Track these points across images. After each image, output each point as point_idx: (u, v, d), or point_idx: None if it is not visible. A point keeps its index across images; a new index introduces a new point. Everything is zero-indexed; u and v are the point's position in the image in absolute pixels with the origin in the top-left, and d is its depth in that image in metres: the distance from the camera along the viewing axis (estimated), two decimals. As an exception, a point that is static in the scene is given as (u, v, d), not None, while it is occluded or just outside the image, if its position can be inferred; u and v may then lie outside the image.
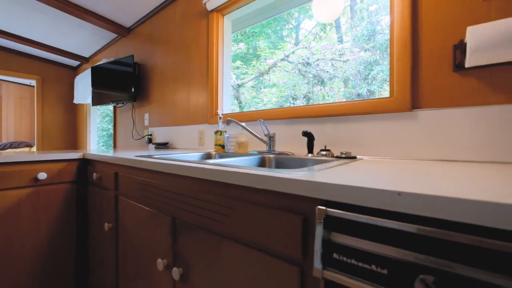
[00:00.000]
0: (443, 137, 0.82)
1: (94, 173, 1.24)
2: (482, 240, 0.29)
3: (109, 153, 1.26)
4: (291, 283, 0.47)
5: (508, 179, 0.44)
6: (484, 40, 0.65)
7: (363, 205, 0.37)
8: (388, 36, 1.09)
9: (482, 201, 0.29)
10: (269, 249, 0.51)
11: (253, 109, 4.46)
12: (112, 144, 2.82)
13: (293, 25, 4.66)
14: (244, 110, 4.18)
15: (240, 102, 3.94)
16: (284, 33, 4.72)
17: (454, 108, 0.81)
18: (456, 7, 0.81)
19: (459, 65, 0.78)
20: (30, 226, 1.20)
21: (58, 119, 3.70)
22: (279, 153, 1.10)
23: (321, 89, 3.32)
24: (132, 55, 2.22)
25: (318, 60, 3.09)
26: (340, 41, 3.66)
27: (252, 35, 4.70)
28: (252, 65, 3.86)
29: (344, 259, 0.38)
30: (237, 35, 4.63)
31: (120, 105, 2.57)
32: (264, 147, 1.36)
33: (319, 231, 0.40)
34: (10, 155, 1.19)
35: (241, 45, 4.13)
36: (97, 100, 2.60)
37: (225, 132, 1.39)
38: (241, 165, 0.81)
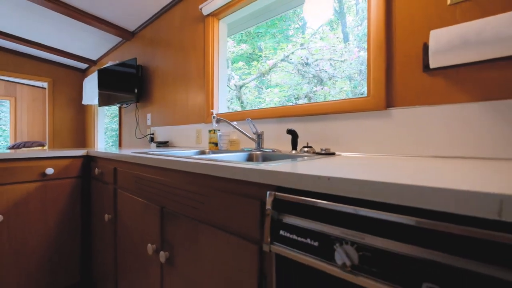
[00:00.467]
0: (414, 134, 0.87)
1: (96, 169, 1.34)
2: (387, 214, 0.35)
3: (110, 150, 1.36)
4: (253, 259, 0.54)
5: (447, 169, 0.50)
6: (443, 43, 0.70)
7: (303, 189, 0.44)
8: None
9: (386, 182, 0.35)
10: (236, 230, 0.58)
11: (254, 109, 4.52)
12: (118, 143, 2.95)
13: (299, 25, 4.69)
14: (246, 109, 4.25)
15: (242, 102, 4.02)
16: (290, 32, 4.76)
17: (424, 106, 0.85)
18: (426, 11, 0.86)
19: (426, 66, 0.83)
20: (39, 217, 1.31)
21: (68, 120, 3.87)
22: (266, 150, 1.17)
23: (322, 88, 3.36)
24: (135, 58, 2.33)
25: (317, 60, 3.13)
26: (346, 39, 3.67)
27: (257, 35, 4.77)
28: (253, 66, 3.93)
29: (288, 235, 0.44)
30: (242, 36, 4.70)
31: (124, 105, 2.69)
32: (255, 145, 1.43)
33: (269, 212, 0.47)
34: (20, 152, 1.30)
35: (243, 46, 4.20)
36: (103, 101, 2.73)
37: (219, 130, 1.47)
38: (225, 159, 0.89)
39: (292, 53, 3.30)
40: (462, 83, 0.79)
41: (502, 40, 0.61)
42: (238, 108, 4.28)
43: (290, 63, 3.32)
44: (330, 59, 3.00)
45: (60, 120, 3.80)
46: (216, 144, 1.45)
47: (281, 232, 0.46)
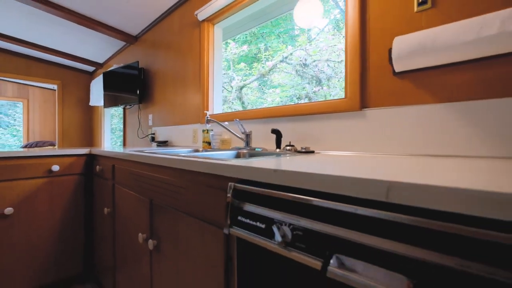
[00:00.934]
0: (386, 133, 0.93)
1: (98, 166, 1.44)
2: (317, 200, 0.42)
3: (111, 149, 1.46)
4: (220, 242, 0.61)
5: (404, 165, 0.56)
6: (404, 49, 0.75)
7: (257, 180, 0.51)
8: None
9: (318, 174, 0.42)
10: (207, 218, 0.66)
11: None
12: (122, 143, 3.08)
13: (303, 25, 4.72)
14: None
15: (243, 103, 4.10)
16: (295, 32, 4.80)
17: (395, 107, 0.91)
18: (396, 18, 0.91)
19: (394, 70, 0.88)
20: (46, 211, 1.43)
21: (76, 120, 4.04)
22: (253, 149, 1.25)
23: (319, 89, 3.41)
24: (138, 61, 2.44)
25: (315, 61, 3.18)
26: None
27: (262, 36, 4.84)
28: (253, 67, 4.01)
29: (244, 219, 0.52)
30: (246, 36, 4.79)
31: (128, 107, 2.81)
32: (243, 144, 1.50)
33: (229, 200, 0.55)
34: (29, 150, 1.41)
35: (245, 47, 4.28)
36: (108, 102, 2.86)
37: (212, 130, 1.55)
38: (207, 156, 0.96)
39: (291, 54, 3.35)
40: (428, 85, 0.84)
41: (452, 47, 0.67)
42: (240, 108, 4.36)
43: (289, 64, 3.38)
44: (328, 60, 3.05)
45: (69, 121, 3.97)
46: (209, 143, 1.54)
47: (239, 218, 0.53)
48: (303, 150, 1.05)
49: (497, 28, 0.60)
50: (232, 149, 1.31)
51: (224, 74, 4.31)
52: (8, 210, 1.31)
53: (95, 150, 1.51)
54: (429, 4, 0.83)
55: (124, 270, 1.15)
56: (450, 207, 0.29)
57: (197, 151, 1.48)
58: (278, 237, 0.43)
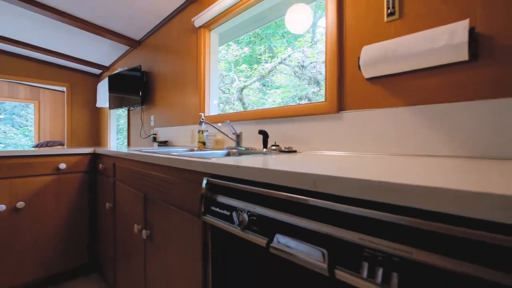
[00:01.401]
0: (361, 134, 1.00)
1: (100, 164, 1.55)
2: (269, 191, 0.50)
3: (115, 149, 1.57)
4: (198, 230, 0.70)
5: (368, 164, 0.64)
6: (369, 58, 0.83)
7: (225, 175, 0.60)
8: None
9: (272, 169, 0.50)
10: (188, 208, 0.75)
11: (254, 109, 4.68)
12: (127, 143, 3.21)
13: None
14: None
15: (243, 104, 4.19)
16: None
17: (368, 110, 0.98)
18: (369, 28, 0.98)
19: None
20: (54, 205, 1.55)
21: (84, 121, 4.21)
22: (242, 148, 1.33)
23: (318, 90, 3.46)
24: (140, 65, 2.56)
25: (312, 63, 3.24)
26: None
27: (266, 36, 4.93)
28: (254, 68, 4.09)
29: (214, 208, 0.61)
30: (250, 37, 4.88)
31: (132, 108, 2.94)
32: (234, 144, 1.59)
33: (203, 192, 0.64)
34: (40, 149, 1.54)
35: (246, 49, 4.37)
36: (113, 104, 2.99)
37: (207, 131, 1.64)
38: (193, 155, 1.05)
39: (289, 56, 3.43)
40: (397, 90, 0.91)
41: (410, 56, 0.74)
42: (241, 109, 4.46)
43: (287, 65, 3.45)
44: (324, 62, 3.11)
45: (77, 121, 4.14)
46: (204, 143, 1.63)
47: (212, 207, 0.62)
48: (286, 150, 1.13)
49: (445, 40, 0.67)
50: (223, 149, 1.40)
51: (226, 75, 4.41)
52: (20, 204, 1.43)
53: (98, 150, 1.62)
54: (397, 15, 0.90)
55: (123, 260, 1.26)
56: (355, 195, 0.37)
57: (192, 150, 1.58)
58: (236, 222, 0.51)
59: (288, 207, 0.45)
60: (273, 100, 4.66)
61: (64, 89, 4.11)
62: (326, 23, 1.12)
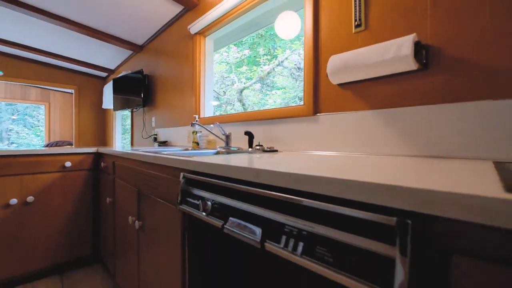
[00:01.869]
0: (334, 135, 1.09)
1: (102, 163, 1.69)
2: (231, 184, 0.60)
3: (111, 149, 1.70)
4: (178, 218, 0.81)
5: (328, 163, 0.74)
6: (334, 66, 0.92)
7: (197, 170, 0.70)
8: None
9: (232, 166, 0.61)
10: (171, 200, 0.86)
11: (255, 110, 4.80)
12: (130, 143, 3.37)
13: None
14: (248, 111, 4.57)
15: (243, 105, 4.29)
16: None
17: (340, 112, 1.07)
18: (340, 38, 1.07)
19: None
20: (60, 200, 1.69)
21: (91, 121, 4.40)
22: (231, 148, 1.44)
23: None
24: (142, 69, 2.70)
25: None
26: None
27: (270, 37, 5.03)
28: (254, 70, 4.20)
29: (188, 199, 0.71)
30: (253, 38, 4.99)
31: (135, 110, 3.09)
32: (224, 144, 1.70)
33: (180, 185, 0.74)
34: (48, 149, 1.68)
35: (246, 51, 4.48)
36: (118, 106, 3.15)
37: (201, 132, 1.76)
38: (181, 154, 1.16)
39: (286, 58, 3.52)
40: (363, 95, 1.00)
41: (367, 66, 0.83)
42: (241, 110, 4.57)
43: (285, 67, 3.54)
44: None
45: (84, 122, 4.33)
46: (198, 143, 1.74)
47: (187, 198, 0.73)
48: (268, 150, 1.23)
49: (393, 53, 0.76)
50: (213, 149, 1.51)
51: (226, 77, 4.53)
52: (30, 198, 1.57)
53: (101, 149, 1.76)
54: (363, 27, 0.99)
55: (121, 250, 1.38)
56: (283, 184, 0.47)
57: (186, 150, 1.70)
58: (201, 209, 0.62)
59: (239, 195, 0.56)
60: (274, 100, 4.76)
61: (73, 91, 4.30)
62: (304, 33, 1.22)
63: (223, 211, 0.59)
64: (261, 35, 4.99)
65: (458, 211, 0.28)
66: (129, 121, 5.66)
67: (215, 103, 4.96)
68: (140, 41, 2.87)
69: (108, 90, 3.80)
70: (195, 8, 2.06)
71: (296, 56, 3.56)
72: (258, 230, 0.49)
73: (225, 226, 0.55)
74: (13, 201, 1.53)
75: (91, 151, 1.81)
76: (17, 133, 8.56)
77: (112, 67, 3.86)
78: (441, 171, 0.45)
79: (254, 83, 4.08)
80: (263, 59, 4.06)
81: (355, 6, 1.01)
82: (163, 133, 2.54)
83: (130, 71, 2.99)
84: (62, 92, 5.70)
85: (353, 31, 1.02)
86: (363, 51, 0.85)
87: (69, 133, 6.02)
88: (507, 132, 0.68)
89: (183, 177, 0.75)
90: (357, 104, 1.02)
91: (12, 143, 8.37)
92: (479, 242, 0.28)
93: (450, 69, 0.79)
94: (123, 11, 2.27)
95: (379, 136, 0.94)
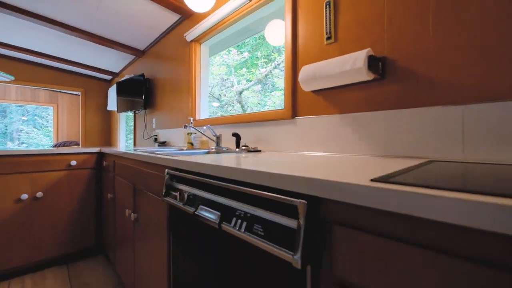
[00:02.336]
0: (309, 136, 1.20)
1: (104, 162, 1.83)
2: (202, 179, 0.72)
3: (114, 149, 1.84)
4: (165, 208, 0.94)
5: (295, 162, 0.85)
6: (303, 76, 1.03)
7: (178, 167, 0.83)
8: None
9: (210, 164, 0.73)
10: (159, 194, 0.99)
11: (254, 111, 4.93)
12: (133, 143, 3.52)
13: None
14: (247, 112, 4.72)
15: (242, 106, 4.41)
16: None
17: (314, 116, 1.18)
18: (315, 48, 1.18)
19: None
20: (67, 196, 1.84)
21: (97, 122, 4.59)
22: (221, 148, 1.56)
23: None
24: (143, 73, 2.85)
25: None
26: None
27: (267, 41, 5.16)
28: (252, 72, 4.32)
29: (171, 192, 0.84)
30: (256, 39, 5.12)
31: (137, 112, 3.24)
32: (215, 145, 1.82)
33: (164, 180, 0.87)
34: (56, 148, 1.84)
35: (246, 54, 4.60)
36: (121, 107, 3.31)
37: (195, 133, 1.88)
38: (176, 154, 1.29)
39: (283, 61, 3.62)
40: (333, 101, 1.11)
41: (330, 76, 0.94)
42: (240, 111, 4.70)
43: (281, 70, 3.64)
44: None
45: (90, 123, 4.52)
46: (192, 144, 1.87)
47: (170, 191, 0.85)
48: (252, 150, 1.35)
49: (349, 65, 0.87)
50: (205, 149, 1.63)
51: (226, 79, 4.67)
52: (39, 194, 1.73)
53: (103, 149, 1.90)
54: (333, 39, 1.10)
55: (120, 241, 1.52)
56: (235, 177, 0.59)
57: (181, 150, 1.83)
58: (178, 199, 0.74)
59: (207, 187, 0.68)
60: (273, 102, 4.87)
61: (79, 93, 4.50)
62: (285, 43, 1.33)
63: (195, 201, 0.71)
64: (263, 37, 5.11)
65: (337, 194, 0.39)
66: (133, 122, 5.84)
67: (216, 104, 5.09)
68: (141, 46, 3.02)
69: (112, 93, 3.97)
70: (190, 17, 2.19)
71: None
72: (218, 214, 0.61)
73: (195, 212, 0.67)
74: (24, 196, 1.69)
75: (94, 151, 1.96)
76: (27, 133, 8.88)
77: (117, 70, 4.04)
78: (359, 167, 0.56)
79: (253, 85, 4.20)
80: (261, 62, 4.18)
81: (326, 20, 1.12)
82: (163, 134, 2.68)
83: (133, 75, 3.15)
84: (70, 94, 5.92)
85: (325, 43, 1.13)
86: (327, 63, 0.96)
87: (76, 133, 6.24)
88: (443, 135, 0.78)
89: (167, 173, 0.87)
90: (328, 108, 1.12)
91: (22, 143, 8.68)
92: (350, 216, 0.39)
93: (402, 79, 0.89)
94: (125, 19, 2.42)
95: (346, 137, 1.04)
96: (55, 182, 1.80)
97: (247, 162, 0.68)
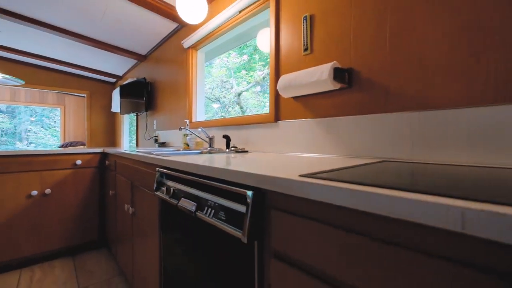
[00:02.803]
0: (289, 138, 1.32)
1: (107, 161, 1.97)
2: (187, 176, 0.85)
3: (116, 149, 1.98)
4: (156, 201, 1.07)
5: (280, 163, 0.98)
6: (281, 84, 1.15)
7: (164, 165, 0.96)
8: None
9: (188, 163, 0.85)
10: (151, 189, 1.12)
11: (254, 113, 5.04)
12: (135, 144, 3.68)
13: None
14: (245, 114, 4.83)
15: (241, 108, 4.54)
16: None
17: (294, 120, 1.30)
18: (294, 58, 1.30)
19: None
20: (72, 192, 1.99)
21: (102, 124, 4.77)
22: (212, 149, 1.69)
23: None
24: (145, 77, 3.00)
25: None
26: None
27: None
28: (250, 75, 4.44)
29: (160, 187, 0.97)
30: (256, 41, 5.26)
31: (139, 113, 3.39)
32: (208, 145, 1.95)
33: (155, 177, 1.00)
34: (63, 149, 1.99)
35: (245, 57, 4.73)
36: (124, 110, 3.46)
37: (191, 134, 2.02)
38: (170, 154, 1.42)
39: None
40: (309, 106, 1.22)
41: (303, 85, 1.06)
42: (239, 112, 4.83)
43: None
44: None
45: (96, 124, 4.71)
46: (188, 145, 2.01)
47: (160, 186, 0.98)
48: (240, 150, 1.48)
49: (317, 77, 0.98)
50: (199, 149, 1.76)
51: (226, 81, 4.80)
52: (48, 191, 1.88)
53: (106, 150, 2.05)
54: (309, 51, 1.22)
55: (121, 235, 1.66)
56: (209, 174, 0.71)
57: (178, 150, 1.96)
58: (165, 193, 0.87)
59: (187, 182, 0.80)
60: (272, 103, 5.00)
61: (85, 95, 4.68)
62: (269, 53, 1.45)
63: (178, 194, 0.84)
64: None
65: (274, 186, 0.51)
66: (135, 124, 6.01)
67: (216, 105, 5.23)
68: (143, 51, 3.17)
69: (116, 95, 4.14)
70: (187, 25, 2.32)
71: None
72: (194, 205, 0.73)
73: (177, 204, 0.80)
74: (34, 192, 1.84)
75: (98, 151, 2.11)
76: (35, 133, 9.16)
77: (120, 73, 4.20)
78: (313, 165, 0.68)
79: (252, 86, 4.33)
80: (259, 65, 4.30)
81: (304, 34, 1.24)
82: (163, 135, 2.82)
83: (135, 78, 3.30)
84: (76, 95, 6.13)
85: (303, 54, 1.25)
86: (300, 74, 1.08)
87: (82, 134, 6.45)
88: (396, 138, 0.89)
89: (158, 171, 1.00)
90: (305, 113, 1.24)
91: (31, 142, 8.97)
92: (282, 202, 0.52)
93: (365, 88, 1.00)
94: (128, 26, 2.57)
95: (320, 139, 1.16)
96: (62, 180, 1.95)
97: (223, 162, 0.81)
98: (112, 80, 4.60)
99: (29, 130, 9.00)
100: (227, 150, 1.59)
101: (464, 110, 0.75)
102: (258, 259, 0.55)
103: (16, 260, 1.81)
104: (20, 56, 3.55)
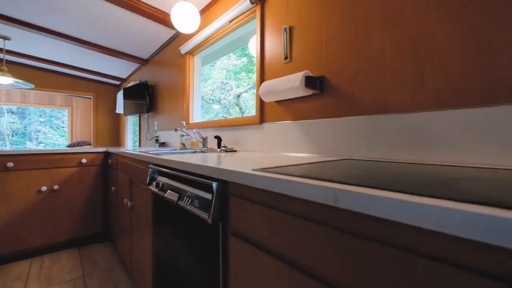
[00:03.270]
0: (272, 138, 1.44)
1: (109, 160, 2.13)
2: (178, 172, 0.98)
3: (117, 149, 2.14)
4: (150, 194, 1.20)
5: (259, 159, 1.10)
6: (262, 90, 1.27)
7: (159, 163, 1.09)
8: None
9: (176, 161, 0.99)
10: (144, 183, 1.26)
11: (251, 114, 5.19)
12: (138, 144, 3.85)
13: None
14: (244, 115, 4.96)
15: (241, 109, 4.67)
16: None
17: (276, 122, 1.42)
18: (276, 66, 1.42)
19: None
20: (78, 189, 2.15)
21: (107, 124, 4.97)
22: (205, 149, 1.82)
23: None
24: (147, 80, 3.16)
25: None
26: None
27: None
28: (249, 77, 4.56)
29: (152, 181, 1.10)
30: None
31: (141, 115, 3.55)
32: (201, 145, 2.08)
33: (148, 173, 1.13)
34: (68, 148, 2.15)
35: (244, 59, 4.86)
36: (127, 111, 3.63)
37: (187, 135, 2.15)
38: (165, 153, 1.56)
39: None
40: (289, 110, 1.34)
41: (280, 92, 1.18)
42: (239, 113, 4.97)
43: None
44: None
45: (101, 125, 4.90)
46: (184, 145, 2.14)
47: (152, 181, 1.12)
48: (229, 150, 1.60)
49: (290, 84, 1.10)
50: (193, 149, 1.90)
51: (226, 83, 4.94)
52: (56, 187, 2.05)
53: (109, 149, 2.21)
54: (289, 59, 1.34)
55: (121, 227, 1.81)
56: (191, 170, 0.84)
57: (175, 150, 2.10)
58: (155, 187, 1.01)
59: (173, 177, 0.94)
60: (272, 104, 5.12)
61: (91, 97, 4.89)
62: (256, 60, 1.57)
63: (165, 187, 0.97)
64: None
65: (233, 178, 0.64)
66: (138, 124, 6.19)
67: (217, 106, 5.37)
68: (145, 56, 3.33)
69: (120, 97, 4.32)
70: (183, 33, 2.46)
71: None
72: (176, 195, 0.86)
73: (164, 195, 0.93)
74: (44, 188, 2.01)
75: (102, 151, 2.27)
76: (44, 133, 9.47)
77: (124, 76, 4.38)
78: (278, 161, 0.80)
79: (250, 88, 4.45)
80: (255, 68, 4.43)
81: (284, 43, 1.35)
82: (163, 136, 2.97)
83: (138, 81, 3.47)
84: (83, 97, 6.35)
85: (284, 62, 1.37)
86: (278, 81, 1.20)
87: (89, 134, 6.68)
88: (358, 139, 1.00)
89: (150, 167, 1.14)
90: (286, 116, 1.36)
91: (40, 142, 9.28)
92: (239, 191, 0.64)
93: (334, 94, 1.12)
94: (130, 33, 2.73)
95: (297, 139, 1.28)
96: (69, 177, 2.11)
97: (207, 159, 0.94)
98: (117, 82, 4.79)
99: (38, 131, 9.32)
100: (218, 149, 1.71)
101: (407, 115, 0.86)
102: (222, 238, 0.68)
103: (27, 250, 1.97)
104: (31, 61, 3.76)
